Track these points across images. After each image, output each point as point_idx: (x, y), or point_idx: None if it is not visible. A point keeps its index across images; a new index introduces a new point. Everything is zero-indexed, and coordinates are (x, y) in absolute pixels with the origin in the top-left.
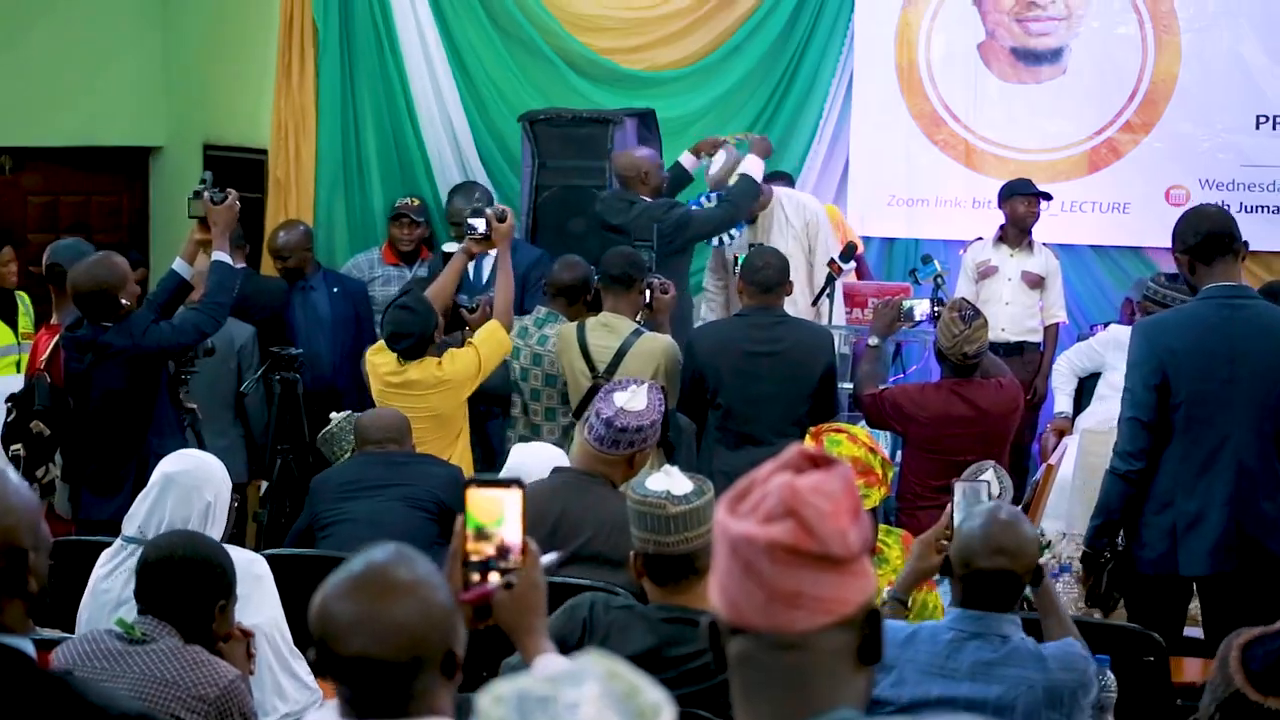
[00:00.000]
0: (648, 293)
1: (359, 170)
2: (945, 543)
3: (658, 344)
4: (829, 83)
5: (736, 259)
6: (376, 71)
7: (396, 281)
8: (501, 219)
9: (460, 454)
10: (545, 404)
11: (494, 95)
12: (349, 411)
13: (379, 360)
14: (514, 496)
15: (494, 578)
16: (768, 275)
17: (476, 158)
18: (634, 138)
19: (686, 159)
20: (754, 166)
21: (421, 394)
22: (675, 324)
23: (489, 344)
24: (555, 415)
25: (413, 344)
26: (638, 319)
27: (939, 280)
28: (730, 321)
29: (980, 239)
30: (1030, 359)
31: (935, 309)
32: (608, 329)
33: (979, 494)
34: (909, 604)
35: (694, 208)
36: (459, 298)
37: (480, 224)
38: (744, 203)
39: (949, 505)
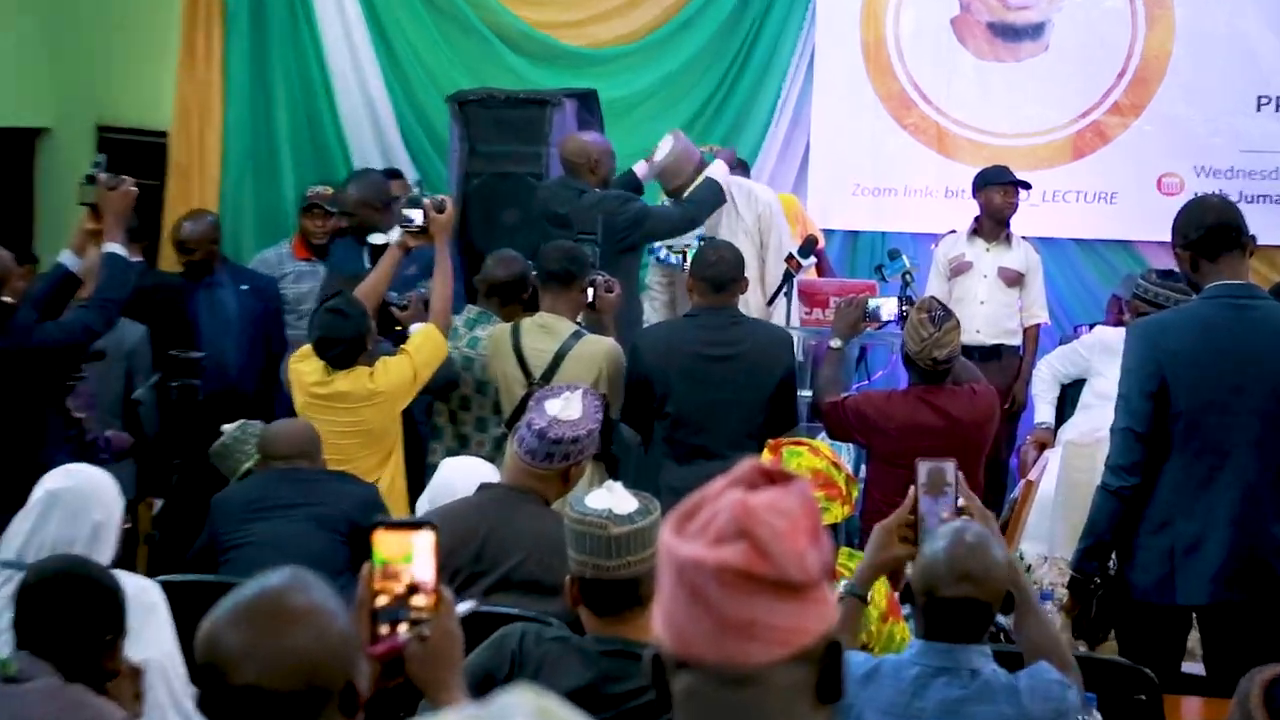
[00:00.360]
0: (590, 291)
1: (269, 155)
2: (909, 530)
3: (600, 347)
4: (788, 61)
5: (685, 253)
6: (290, 46)
7: (309, 278)
8: (440, 209)
9: (393, 474)
10: (476, 413)
11: (420, 73)
12: (242, 421)
13: (304, 369)
14: (425, 539)
15: (404, 629)
16: (720, 271)
17: (400, 142)
18: (573, 121)
19: (641, 167)
20: (719, 171)
21: (352, 407)
22: (621, 326)
23: (424, 350)
24: (487, 426)
25: (343, 351)
26: (578, 320)
27: (908, 277)
28: (679, 322)
29: (953, 232)
30: (1008, 364)
31: (903, 309)
32: (545, 331)
33: (945, 475)
34: (868, 599)
35: (652, 205)
36: (388, 294)
37: (417, 215)
38: (706, 207)
39: (911, 489)
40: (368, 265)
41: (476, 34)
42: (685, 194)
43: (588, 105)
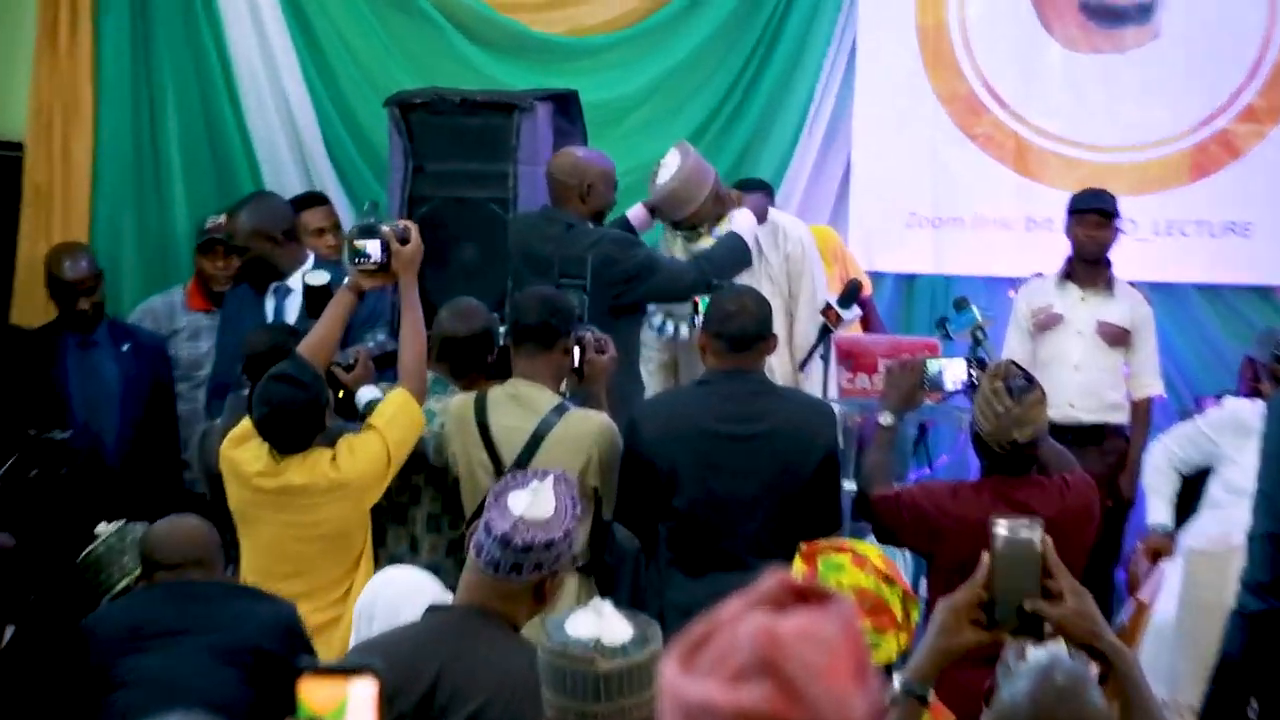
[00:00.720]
0: (576, 352)
1: (156, 175)
2: (981, 612)
3: (589, 425)
4: (822, 54)
5: (697, 304)
6: (182, 36)
7: (208, 335)
8: (404, 240)
9: (361, 587)
10: (427, 509)
11: (351, 69)
12: (122, 522)
13: (243, 456)
14: (364, 691)
15: None
16: (742, 326)
17: (325, 157)
18: (548, 130)
19: (639, 214)
20: (746, 224)
21: (310, 504)
22: (616, 399)
23: (398, 425)
24: (442, 526)
25: (297, 431)
26: (561, 390)
27: (979, 334)
28: (689, 392)
29: (1038, 276)
30: (1111, 447)
31: (973, 375)
32: (518, 404)
33: (1032, 544)
34: (928, 700)
35: (660, 256)
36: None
37: (374, 248)
38: (727, 269)
39: (984, 558)
40: (270, 316)
41: (423, 18)
42: (697, 233)
43: (566, 111)
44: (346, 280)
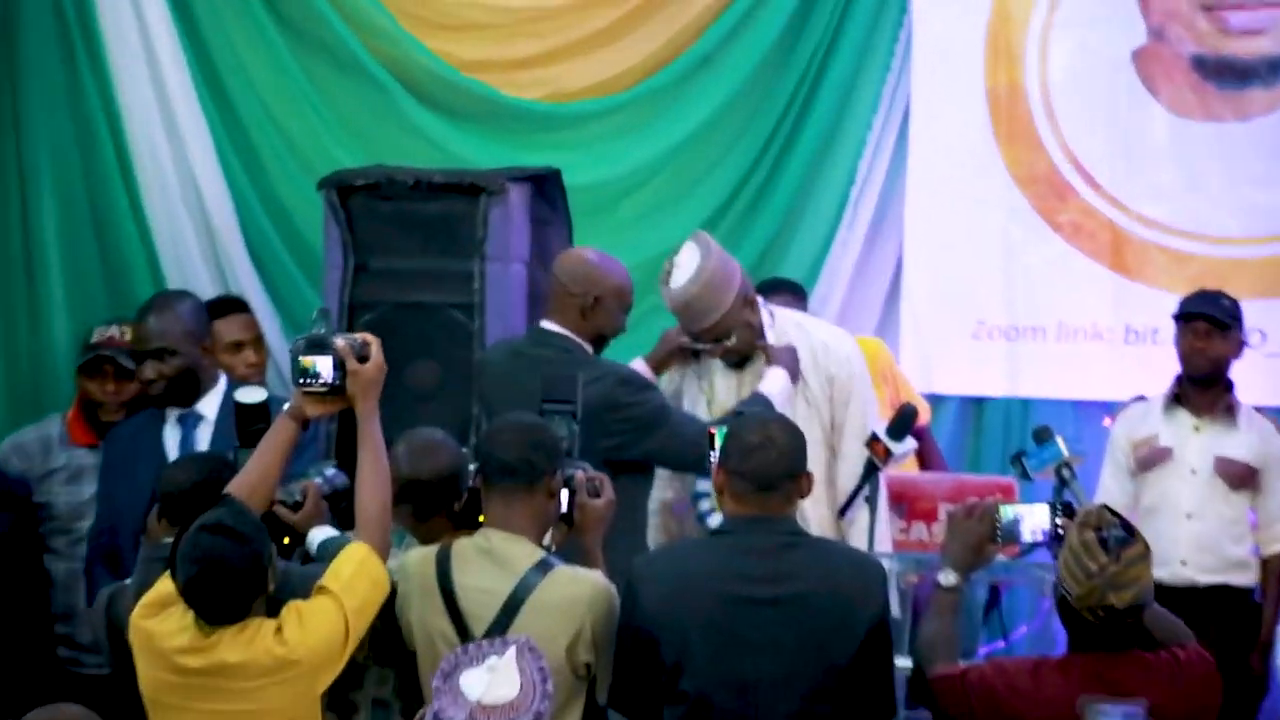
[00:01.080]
0: (564, 494)
1: (28, 276)
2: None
3: (581, 588)
4: (868, 123)
5: (712, 434)
6: (63, 102)
7: (92, 476)
8: (363, 357)
9: None
10: (373, 693)
11: (276, 144)
12: None
13: (162, 629)
14: None
15: None
16: (769, 461)
17: (243, 253)
18: (523, 218)
19: (641, 367)
20: (777, 385)
21: (248, 688)
22: (613, 554)
23: (358, 587)
24: (391, 715)
25: (233, 596)
26: (546, 543)
27: (1065, 472)
28: (702, 545)
29: (1140, 399)
30: (1237, 616)
31: (1058, 524)
32: (491, 560)
33: None
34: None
35: (673, 409)
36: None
37: (325, 366)
38: None
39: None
40: (173, 453)
41: (367, 80)
42: (743, 358)
43: (546, 194)
44: (289, 405)
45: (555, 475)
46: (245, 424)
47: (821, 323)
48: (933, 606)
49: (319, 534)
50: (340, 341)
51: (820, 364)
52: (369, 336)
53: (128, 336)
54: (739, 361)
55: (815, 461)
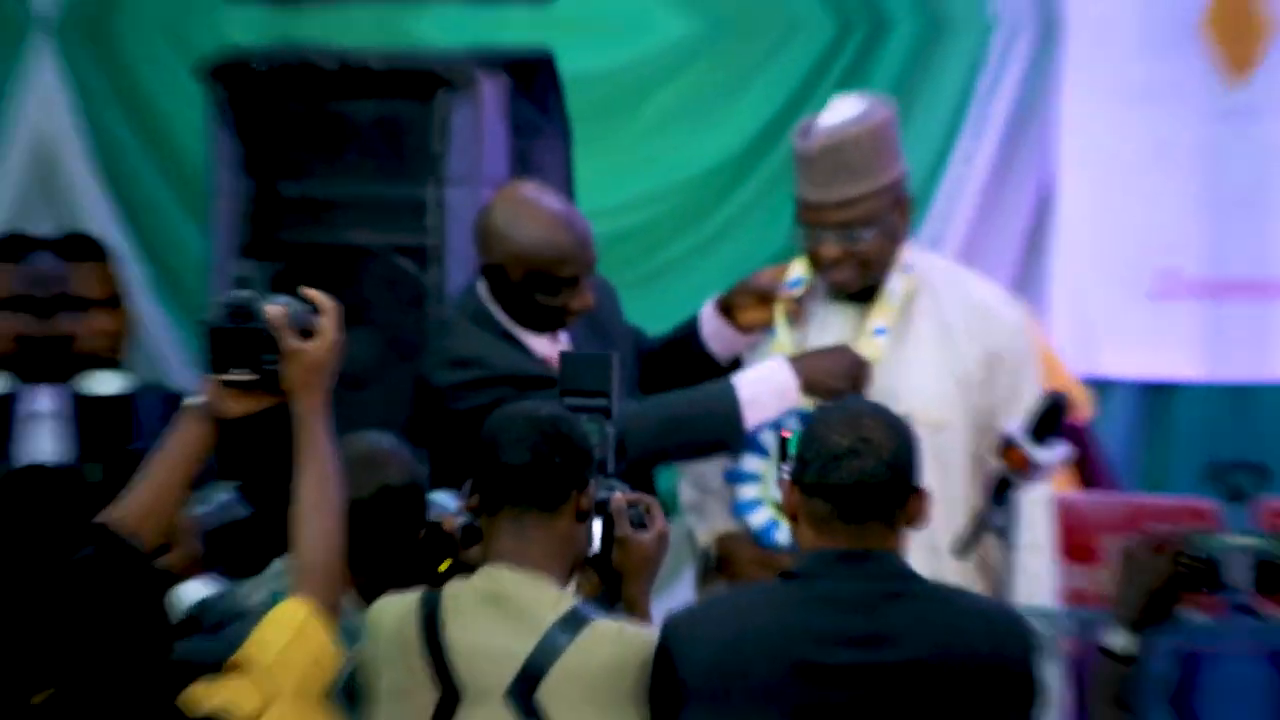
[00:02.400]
0: (598, 523)
1: None
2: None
3: (629, 649)
4: None
5: (785, 439)
6: None
7: None
8: (307, 331)
9: None
10: None
11: (137, 6)
12: None
13: None
14: None
15: None
16: (865, 474)
17: (88, 171)
18: (498, 123)
19: (712, 323)
20: (769, 383)
21: None
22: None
23: (296, 662)
24: None
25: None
26: (569, 581)
27: None
28: (768, 593)
29: None
30: None
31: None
32: (499, 609)
33: None
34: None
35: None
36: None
37: (251, 345)
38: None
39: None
40: None
41: None
42: (868, 291)
43: (531, 90)
44: (195, 399)
45: (586, 491)
46: (94, 425)
47: (978, 277)
48: (1097, 679)
49: (192, 590)
50: (275, 309)
51: (976, 333)
52: (320, 298)
53: None
54: (856, 295)
55: (956, 473)
